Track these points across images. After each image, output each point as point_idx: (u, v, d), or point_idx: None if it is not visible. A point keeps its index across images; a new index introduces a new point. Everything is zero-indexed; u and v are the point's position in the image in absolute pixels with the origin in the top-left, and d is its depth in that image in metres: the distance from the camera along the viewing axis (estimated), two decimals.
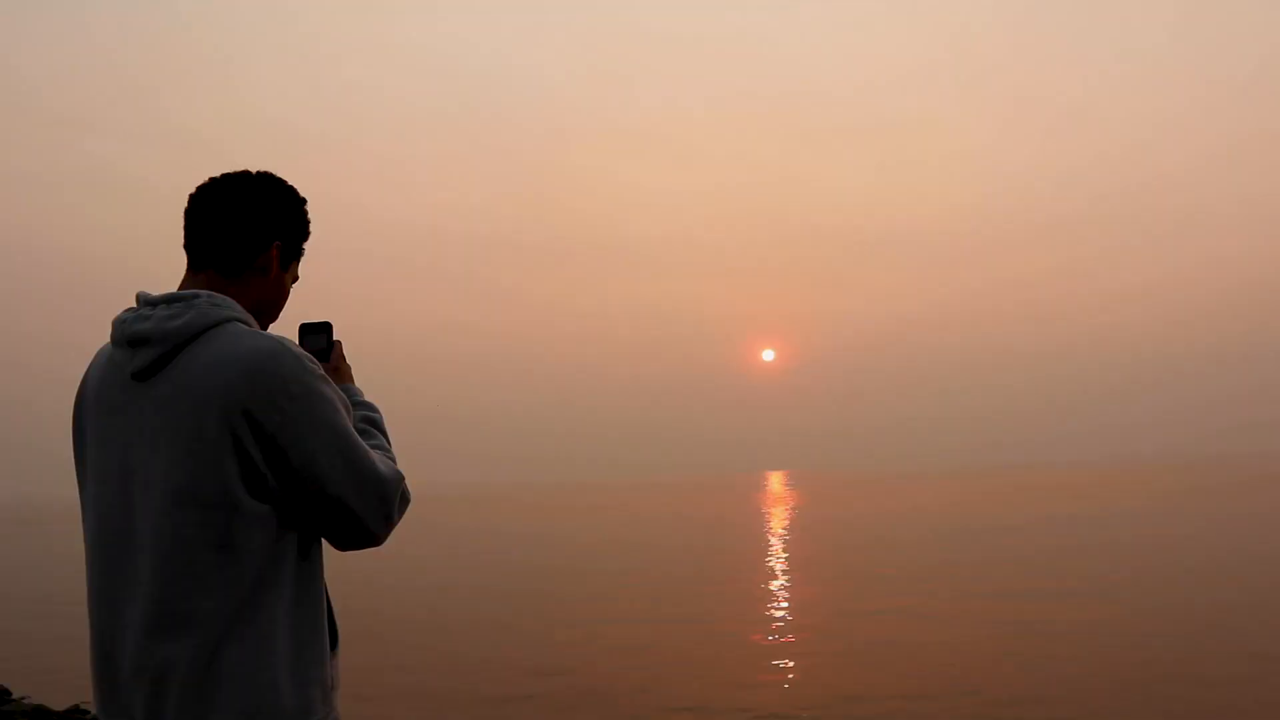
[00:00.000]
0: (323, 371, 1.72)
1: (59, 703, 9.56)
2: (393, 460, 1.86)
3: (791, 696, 9.91)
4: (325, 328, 2.05)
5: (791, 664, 11.55)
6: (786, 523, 41.87)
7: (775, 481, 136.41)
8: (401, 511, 1.80)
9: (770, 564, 23.66)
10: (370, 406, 1.99)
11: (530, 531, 40.73)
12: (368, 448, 1.75)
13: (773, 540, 32.04)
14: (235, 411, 1.62)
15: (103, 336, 1.82)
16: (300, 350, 1.70)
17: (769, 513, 50.53)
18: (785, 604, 16.83)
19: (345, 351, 2.08)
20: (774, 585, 19.37)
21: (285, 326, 1.96)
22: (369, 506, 1.72)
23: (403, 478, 1.80)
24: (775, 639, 13.39)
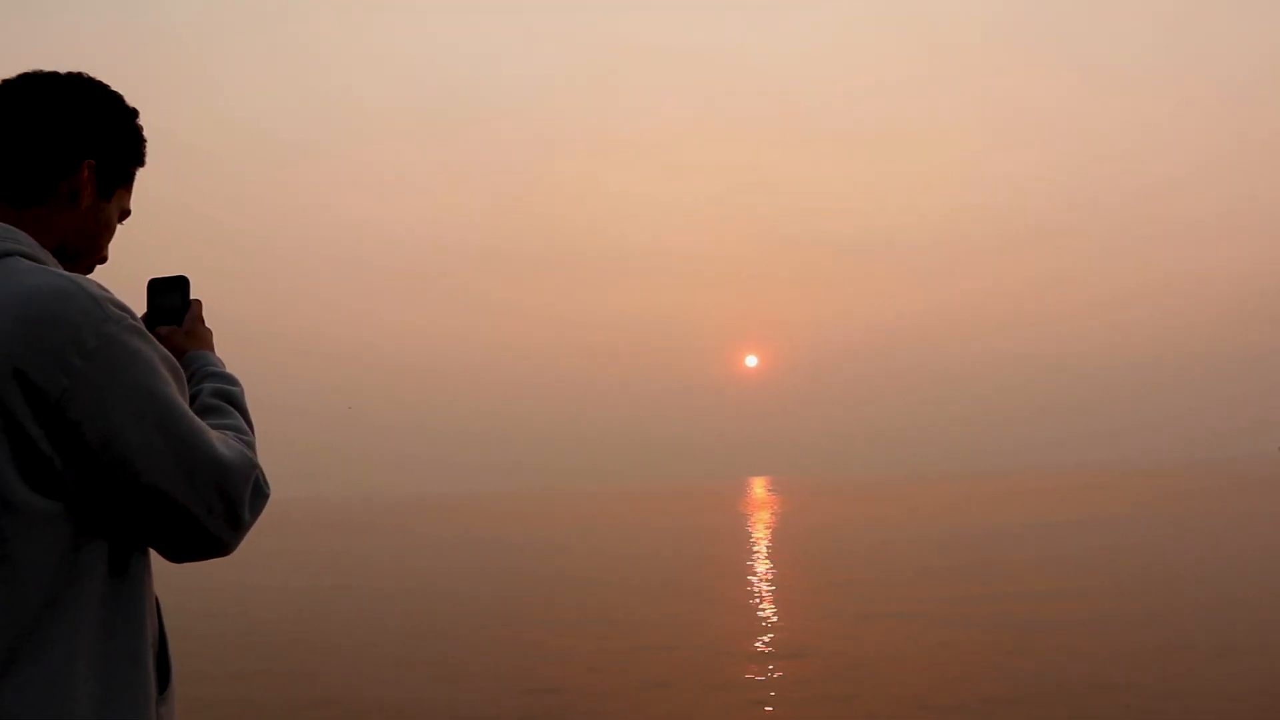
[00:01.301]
0: (139, 323, 1.29)
1: None
2: (248, 446, 1.41)
3: (780, 710, 9.72)
4: (180, 283, 1.67)
5: (778, 675, 11.37)
6: (769, 530, 41.74)
7: (758, 487, 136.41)
8: (255, 509, 1.37)
9: (753, 571, 23.49)
10: (228, 378, 1.55)
11: (516, 540, 40.48)
12: (204, 426, 1.32)
13: (755, 548, 31.89)
14: (2, 373, 1.17)
15: None
16: (102, 292, 1.25)
17: (751, 519, 50.42)
18: (770, 615, 16.66)
19: (204, 314, 1.63)
20: (758, 593, 19.21)
21: (135, 286, 1.56)
22: (205, 502, 1.28)
23: (254, 465, 1.37)
24: (762, 648, 13.21)
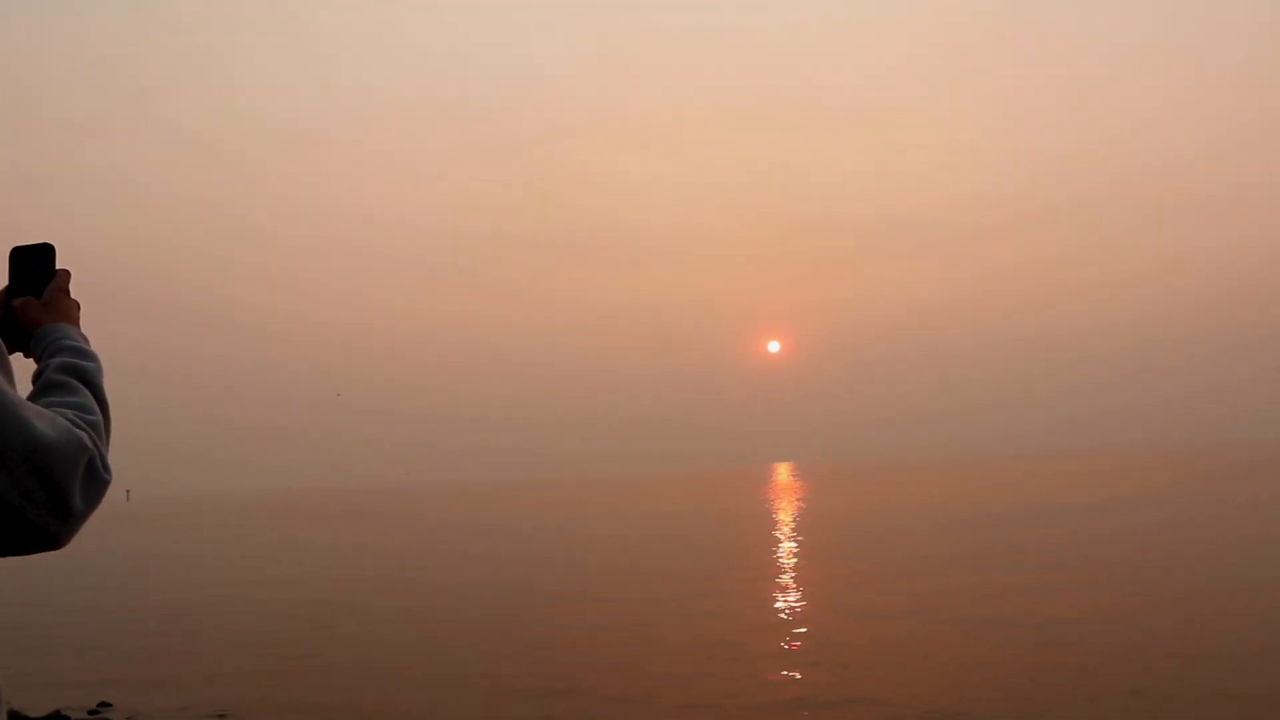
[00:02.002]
0: None
1: (37, 708, 9.36)
2: (89, 427, 1.25)
3: (806, 698, 9.73)
4: (43, 252, 1.55)
5: (803, 668, 11.38)
6: (793, 516, 41.71)
7: (783, 473, 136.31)
8: (90, 497, 1.21)
9: (778, 559, 23.48)
10: (83, 353, 1.40)
11: (544, 525, 40.66)
12: (22, 402, 1.16)
13: (780, 535, 31.85)
14: None
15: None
16: None
17: (776, 505, 50.42)
18: (796, 603, 16.65)
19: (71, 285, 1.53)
20: (782, 582, 19.20)
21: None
22: (21, 487, 1.13)
23: (86, 447, 1.20)
24: (786, 645, 13.22)
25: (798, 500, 56.01)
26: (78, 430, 1.21)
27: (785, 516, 41.32)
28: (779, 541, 29.12)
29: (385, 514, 65.20)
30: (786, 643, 13.09)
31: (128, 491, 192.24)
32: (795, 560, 23.50)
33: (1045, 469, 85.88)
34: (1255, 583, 15.83)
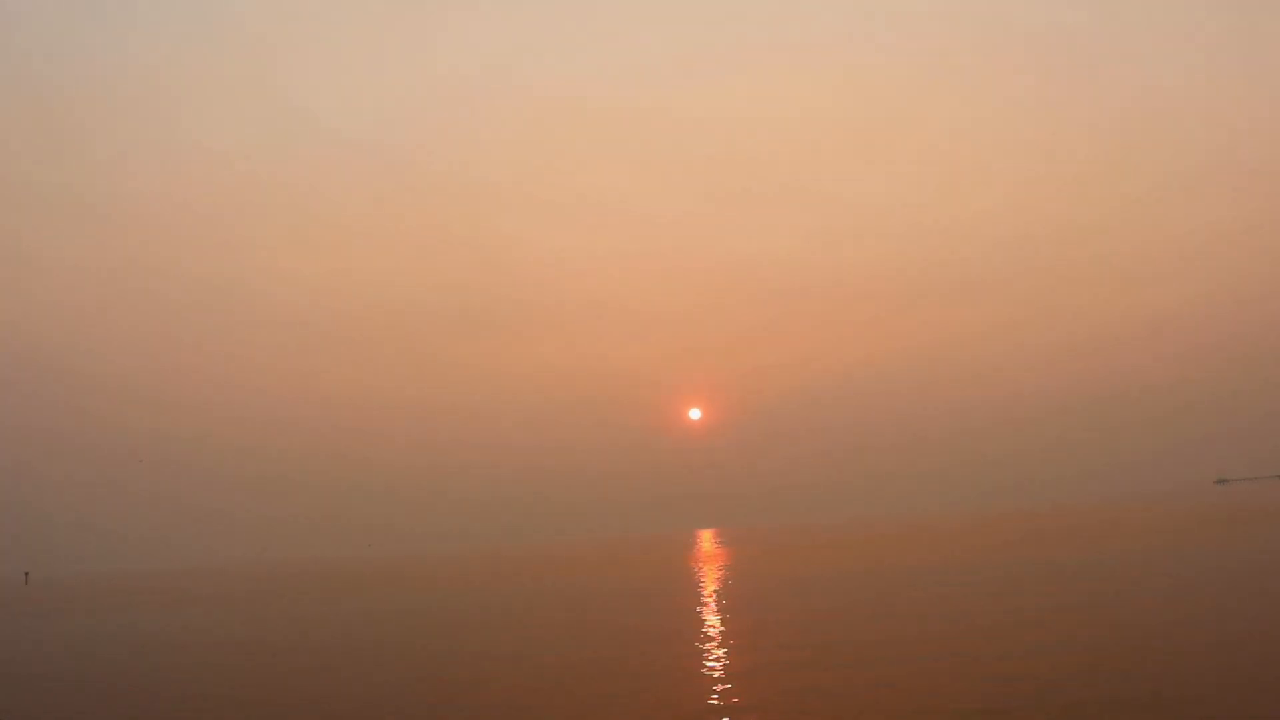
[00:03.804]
0: None
1: None
2: None
3: None
4: None
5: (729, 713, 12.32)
6: (716, 585, 42.62)
7: (706, 540, 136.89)
8: None
9: (704, 627, 24.35)
10: None
11: (461, 604, 40.72)
12: None
13: (703, 603, 32.71)
14: None
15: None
16: None
17: (700, 573, 51.23)
18: (720, 668, 17.56)
19: None
20: (708, 649, 20.10)
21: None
22: None
23: None
24: (716, 700, 14.15)
25: (721, 568, 56.91)
26: None
27: (709, 586, 42.20)
28: (702, 609, 29.99)
29: (255, 595, 63.95)
30: (715, 695, 14.02)
31: (26, 574, 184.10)
32: (720, 629, 24.41)
33: (981, 526, 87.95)
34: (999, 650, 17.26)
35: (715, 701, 14.26)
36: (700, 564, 63.18)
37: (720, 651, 19.72)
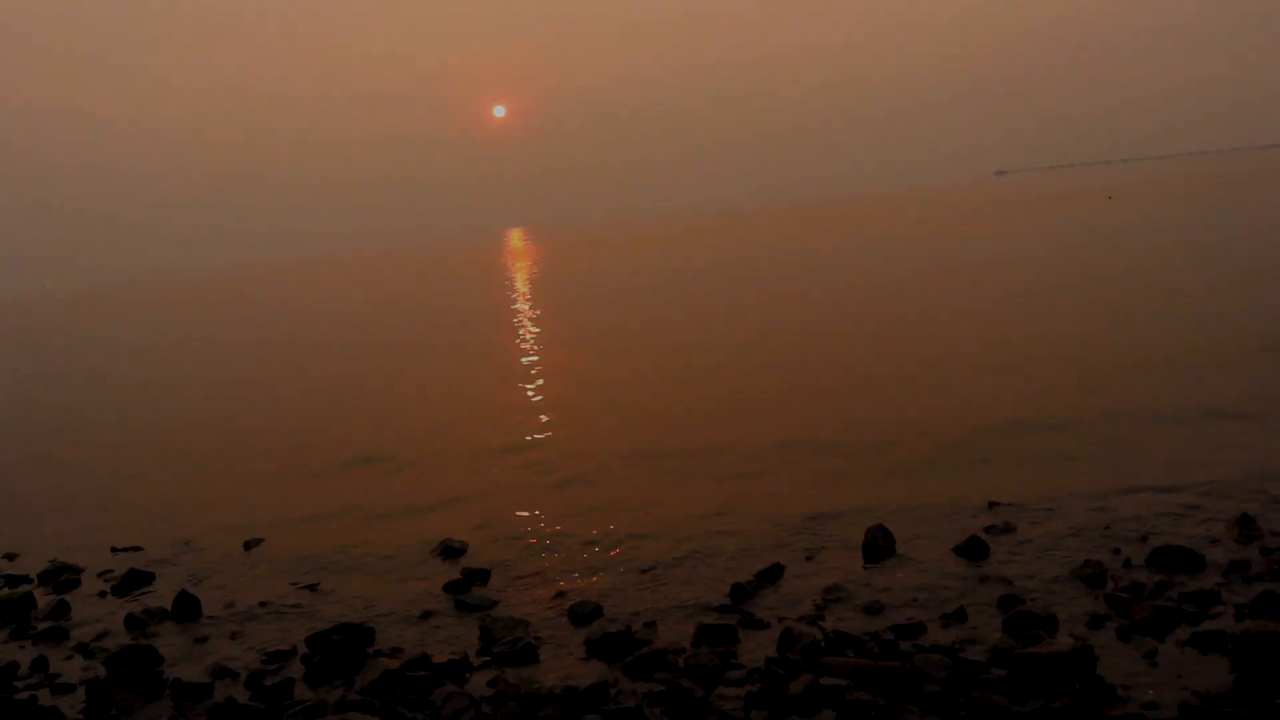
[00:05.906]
0: None
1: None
2: None
3: (547, 456, 10.85)
4: None
5: (545, 423, 12.52)
6: (527, 283, 42.79)
7: (515, 239, 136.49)
8: None
9: (517, 327, 24.43)
10: None
11: (297, 307, 39.46)
12: None
13: (515, 302, 32.80)
14: None
15: None
16: None
17: (511, 273, 51.22)
18: (535, 366, 17.75)
19: None
20: (522, 348, 20.24)
21: None
22: None
23: None
24: (531, 397, 14.34)
25: (530, 265, 57.11)
26: None
27: (521, 284, 42.33)
28: (514, 308, 30.08)
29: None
30: (529, 396, 14.23)
31: None
32: (533, 326, 24.57)
33: (773, 217, 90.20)
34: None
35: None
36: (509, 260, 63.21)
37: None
